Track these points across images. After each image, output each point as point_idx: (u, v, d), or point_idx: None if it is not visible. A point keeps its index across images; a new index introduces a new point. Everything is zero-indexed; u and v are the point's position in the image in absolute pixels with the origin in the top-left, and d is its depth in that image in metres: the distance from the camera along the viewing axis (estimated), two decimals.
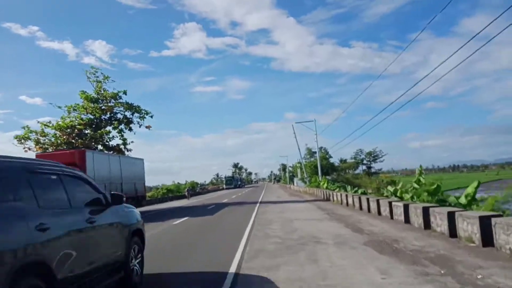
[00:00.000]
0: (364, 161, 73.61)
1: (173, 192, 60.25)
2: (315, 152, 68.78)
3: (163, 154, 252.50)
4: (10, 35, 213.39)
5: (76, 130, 28.74)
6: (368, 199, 16.37)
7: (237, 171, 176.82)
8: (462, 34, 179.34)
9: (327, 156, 59.13)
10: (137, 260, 5.77)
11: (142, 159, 29.90)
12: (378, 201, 14.96)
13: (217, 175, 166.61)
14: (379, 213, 14.48)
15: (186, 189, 55.74)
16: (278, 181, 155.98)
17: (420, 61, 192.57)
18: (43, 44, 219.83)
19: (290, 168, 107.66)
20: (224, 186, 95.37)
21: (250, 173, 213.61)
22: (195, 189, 63.95)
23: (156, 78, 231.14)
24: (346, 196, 21.07)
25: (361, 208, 17.35)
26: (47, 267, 3.47)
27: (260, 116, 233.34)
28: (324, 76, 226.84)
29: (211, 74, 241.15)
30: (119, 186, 24.31)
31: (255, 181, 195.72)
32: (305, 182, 53.33)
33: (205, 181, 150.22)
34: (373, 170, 73.83)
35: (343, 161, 74.90)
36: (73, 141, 28.15)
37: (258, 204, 25.90)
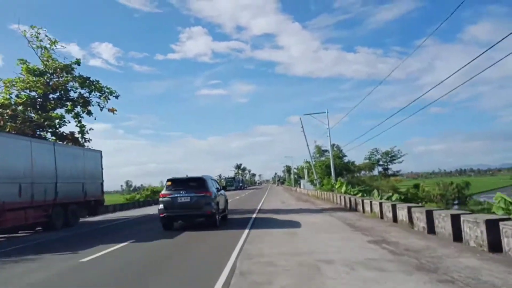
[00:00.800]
0: (380, 162, 65.21)
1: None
2: (326, 151, 60.66)
3: (169, 156, 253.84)
4: (17, 36, 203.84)
5: (9, 110, 20.94)
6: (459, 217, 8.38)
7: (239, 172, 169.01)
8: (467, 41, 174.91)
9: (340, 155, 50.85)
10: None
11: (99, 151, 22.13)
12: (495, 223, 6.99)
13: (220, 176, 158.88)
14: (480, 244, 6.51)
15: None
16: (282, 183, 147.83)
17: (425, 67, 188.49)
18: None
19: (295, 170, 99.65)
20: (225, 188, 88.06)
21: (253, 175, 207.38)
22: None
23: (161, 81, 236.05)
24: (393, 207, 13.03)
25: (432, 231, 9.45)
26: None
27: (264, 120, 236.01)
28: (328, 81, 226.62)
29: (216, 77, 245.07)
30: (51, 187, 16.51)
31: (258, 183, 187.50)
32: (315, 185, 45.33)
33: None
34: (390, 171, 65.44)
35: (351, 163, 66.67)
36: (4, 125, 20.37)
37: (254, 216, 18.02)
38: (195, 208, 12.95)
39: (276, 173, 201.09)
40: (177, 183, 13.35)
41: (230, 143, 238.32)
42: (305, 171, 68.50)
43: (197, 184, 13.28)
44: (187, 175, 13.97)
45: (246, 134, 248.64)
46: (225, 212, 15.83)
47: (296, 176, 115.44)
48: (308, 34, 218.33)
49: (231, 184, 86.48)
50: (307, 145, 44.55)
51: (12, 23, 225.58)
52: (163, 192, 13.33)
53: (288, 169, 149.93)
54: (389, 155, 57.17)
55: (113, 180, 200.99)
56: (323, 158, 53.40)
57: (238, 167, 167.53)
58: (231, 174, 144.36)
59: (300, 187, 61.48)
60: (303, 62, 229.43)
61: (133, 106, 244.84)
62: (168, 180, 13.60)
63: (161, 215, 13.12)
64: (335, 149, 50.37)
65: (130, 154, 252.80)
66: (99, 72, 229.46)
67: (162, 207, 13.04)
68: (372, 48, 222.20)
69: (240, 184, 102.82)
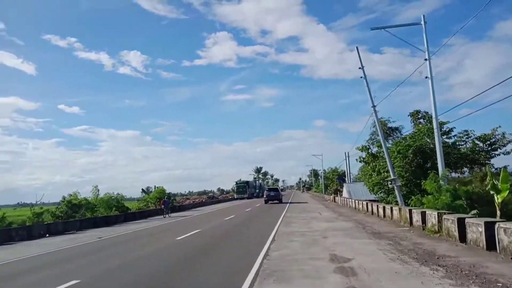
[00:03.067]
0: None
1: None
2: (396, 129, 38.42)
3: (195, 162, 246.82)
4: (50, 46, 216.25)
5: None
6: None
7: (259, 176, 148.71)
8: (497, 38, 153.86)
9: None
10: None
11: None
12: None
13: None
14: None
15: (161, 201, 31.77)
16: (309, 189, 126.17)
17: (454, 66, 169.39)
18: (81, 54, 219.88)
19: (324, 172, 78.22)
20: (235, 195, 67.68)
21: (276, 180, 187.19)
22: (171, 201, 36.81)
23: (188, 87, 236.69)
24: None
25: None
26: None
27: (289, 124, 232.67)
28: (354, 83, 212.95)
29: (241, 82, 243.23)
30: None
31: (281, 189, 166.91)
32: (382, 192, 24.10)
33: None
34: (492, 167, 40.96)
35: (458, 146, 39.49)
36: None
37: None
38: (275, 198, 39.38)
39: (300, 178, 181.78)
40: (270, 189, 43.54)
41: (255, 148, 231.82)
42: (347, 168, 47.53)
43: (275, 189, 44.61)
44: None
45: (271, 139, 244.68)
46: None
47: (326, 181, 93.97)
48: (333, 36, 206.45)
49: (244, 190, 66.23)
50: (369, 91, 22.00)
51: (44, 33, 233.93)
52: (265, 192, 42.64)
53: (315, 174, 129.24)
54: (487, 143, 31.57)
55: (141, 187, 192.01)
56: (390, 144, 29.61)
57: (258, 170, 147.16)
58: (250, 179, 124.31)
59: (340, 194, 40.48)
60: (328, 64, 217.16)
61: (161, 113, 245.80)
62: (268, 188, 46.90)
63: (265, 199, 40.15)
64: (426, 121, 27.98)
65: (157, 160, 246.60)
66: (128, 80, 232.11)
67: (265, 197, 40.37)
68: (398, 48, 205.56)
69: (257, 191, 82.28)
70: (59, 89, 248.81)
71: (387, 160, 19.82)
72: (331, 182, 76.16)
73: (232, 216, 24.21)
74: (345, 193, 38.19)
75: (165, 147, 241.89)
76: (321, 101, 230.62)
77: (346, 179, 61.43)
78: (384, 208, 17.58)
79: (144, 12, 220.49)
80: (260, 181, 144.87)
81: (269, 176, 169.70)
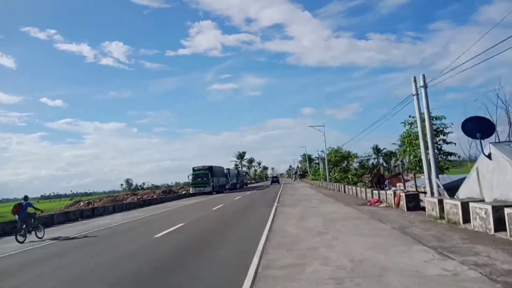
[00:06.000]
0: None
1: None
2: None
3: (183, 152, 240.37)
4: (29, 39, 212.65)
5: None
6: None
7: (243, 164, 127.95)
8: (481, 22, 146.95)
9: None
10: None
11: None
12: None
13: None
14: None
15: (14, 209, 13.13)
16: (302, 176, 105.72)
17: (440, 51, 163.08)
18: (61, 46, 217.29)
19: (326, 151, 56.93)
20: (191, 188, 46.11)
21: (265, 168, 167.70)
22: (35, 213, 16.01)
23: (173, 77, 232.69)
24: None
25: None
26: None
27: (277, 113, 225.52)
28: (341, 70, 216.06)
29: (227, 71, 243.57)
30: None
31: (270, 177, 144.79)
32: None
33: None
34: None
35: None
36: None
37: None
38: (276, 182, 79.72)
39: (291, 166, 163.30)
40: (273, 177, 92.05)
41: (243, 137, 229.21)
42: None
43: (276, 176, 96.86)
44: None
45: (259, 128, 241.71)
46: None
47: (316, 167, 73.36)
48: (318, 23, 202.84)
49: (204, 182, 44.19)
50: None
51: (23, 26, 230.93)
52: (270, 178, 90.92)
53: (309, 159, 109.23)
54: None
55: (133, 178, 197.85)
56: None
57: (240, 156, 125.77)
58: (232, 166, 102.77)
59: (385, 187, 19.88)
60: (315, 52, 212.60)
61: (147, 104, 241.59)
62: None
63: (271, 182, 79.43)
64: None
65: (144, 152, 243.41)
66: (111, 71, 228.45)
67: (270, 181, 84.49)
68: (384, 34, 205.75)
69: (234, 181, 61.18)
70: (41, 82, 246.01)
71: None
72: (333, 166, 56.29)
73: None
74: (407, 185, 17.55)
75: (151, 139, 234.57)
76: (308, 89, 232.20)
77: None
78: None
79: (126, 2, 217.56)
80: (244, 168, 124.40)
81: (256, 164, 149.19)
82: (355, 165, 52.78)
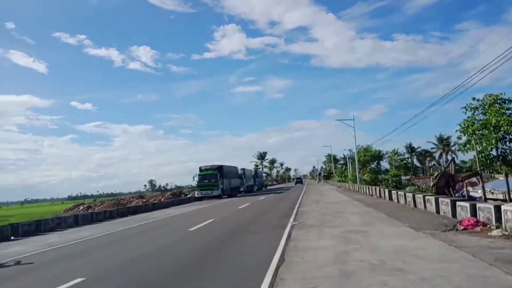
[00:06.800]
0: None
1: None
2: None
3: (207, 154, 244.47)
4: (60, 44, 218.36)
5: None
6: None
7: (265, 165, 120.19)
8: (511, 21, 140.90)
9: None
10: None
11: None
12: None
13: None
14: None
15: None
16: (327, 177, 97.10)
17: (468, 52, 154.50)
18: (91, 51, 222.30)
19: (356, 149, 47.79)
20: (197, 192, 38.76)
21: (288, 169, 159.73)
22: None
23: (198, 80, 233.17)
24: None
25: None
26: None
27: (301, 114, 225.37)
28: (365, 71, 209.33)
29: (251, 74, 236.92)
30: None
31: (293, 179, 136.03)
32: None
33: None
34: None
35: None
36: None
37: None
38: (300, 182, 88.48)
39: (314, 167, 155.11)
40: (297, 178, 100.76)
41: (267, 139, 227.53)
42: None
43: (300, 177, 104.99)
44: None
45: (283, 130, 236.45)
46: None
47: (342, 167, 64.04)
48: (342, 24, 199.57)
49: (212, 184, 36.71)
50: None
51: (54, 31, 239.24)
52: (295, 179, 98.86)
53: (334, 159, 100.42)
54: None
55: (159, 179, 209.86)
56: None
57: (261, 156, 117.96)
58: (251, 167, 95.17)
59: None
60: (339, 54, 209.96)
61: (173, 107, 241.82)
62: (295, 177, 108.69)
63: (295, 183, 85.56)
64: None
65: (170, 154, 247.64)
66: (139, 75, 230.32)
67: (295, 182, 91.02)
68: (410, 35, 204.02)
69: (250, 183, 53.82)
70: (71, 86, 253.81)
71: None
72: (362, 166, 48.76)
73: None
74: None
75: (177, 140, 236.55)
76: (332, 91, 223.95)
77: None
78: None
79: (152, 7, 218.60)
80: (265, 169, 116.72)
81: (278, 164, 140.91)
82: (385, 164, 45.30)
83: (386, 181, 35.04)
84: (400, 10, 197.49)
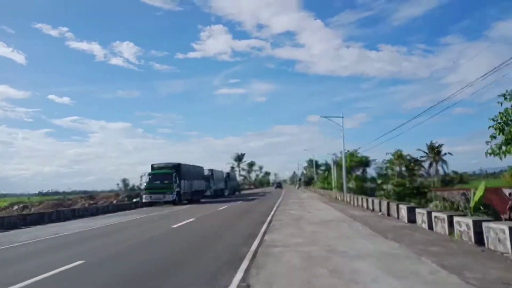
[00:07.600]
0: None
1: None
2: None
3: (187, 155, 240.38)
4: (41, 36, 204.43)
5: None
6: None
7: (242, 167, 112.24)
8: (493, 37, 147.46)
9: None
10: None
11: None
12: None
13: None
14: None
15: None
16: (308, 183, 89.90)
17: (450, 66, 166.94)
18: (72, 44, 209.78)
19: (344, 153, 40.31)
20: (144, 196, 29.48)
21: (267, 173, 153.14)
22: None
23: (181, 80, 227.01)
24: None
25: None
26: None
27: (283, 119, 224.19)
28: (350, 79, 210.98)
29: (236, 76, 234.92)
30: None
31: (273, 184, 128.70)
32: None
33: None
34: None
35: None
36: None
37: None
38: (280, 187, 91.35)
39: (294, 172, 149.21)
40: (277, 182, 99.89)
41: (247, 143, 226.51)
42: None
43: (279, 182, 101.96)
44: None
45: (264, 134, 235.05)
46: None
47: (324, 173, 56.83)
48: (330, 32, 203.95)
49: (165, 186, 28.33)
50: None
51: (35, 22, 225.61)
52: (274, 184, 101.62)
53: (317, 164, 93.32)
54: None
55: (134, 179, 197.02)
56: None
57: (238, 158, 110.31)
58: (227, 169, 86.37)
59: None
60: (324, 61, 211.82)
61: (154, 105, 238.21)
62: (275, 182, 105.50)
63: (275, 187, 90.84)
64: None
65: (148, 153, 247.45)
66: (120, 71, 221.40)
67: (275, 186, 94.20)
68: (396, 46, 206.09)
69: (221, 187, 45.95)
70: (50, 79, 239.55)
71: None
72: (347, 173, 42.20)
73: None
74: None
75: (156, 140, 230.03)
76: (316, 97, 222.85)
77: None
78: None
79: (138, 2, 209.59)
80: (243, 172, 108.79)
81: (257, 168, 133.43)
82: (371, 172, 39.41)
83: (384, 191, 27.77)
84: (386, 20, 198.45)
